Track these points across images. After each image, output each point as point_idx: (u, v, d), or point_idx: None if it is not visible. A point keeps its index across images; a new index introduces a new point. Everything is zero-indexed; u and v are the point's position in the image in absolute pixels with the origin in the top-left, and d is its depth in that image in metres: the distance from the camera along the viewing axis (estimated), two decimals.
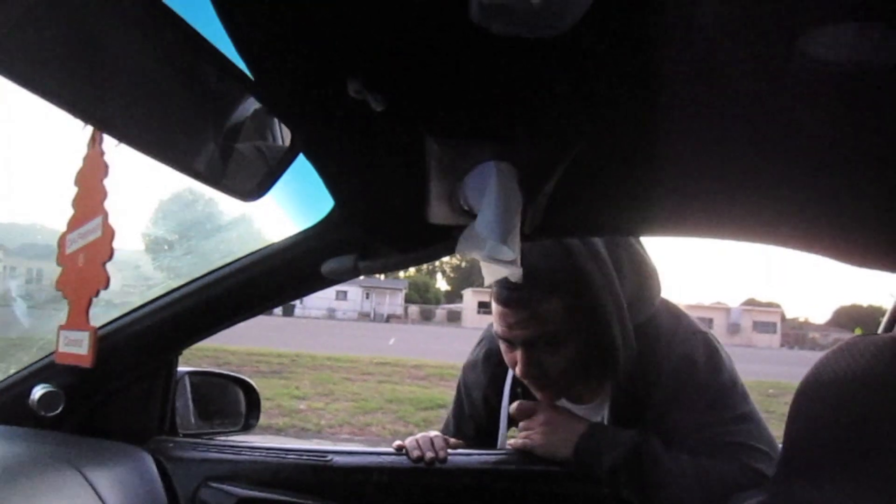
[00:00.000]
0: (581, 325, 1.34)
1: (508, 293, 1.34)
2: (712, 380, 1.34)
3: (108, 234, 0.57)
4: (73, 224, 0.59)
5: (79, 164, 0.57)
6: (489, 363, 1.66)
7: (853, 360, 0.77)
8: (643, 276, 1.43)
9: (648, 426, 1.36)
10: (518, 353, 1.38)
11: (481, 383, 1.67)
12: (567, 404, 1.53)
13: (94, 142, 0.56)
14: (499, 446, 1.62)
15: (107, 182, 0.57)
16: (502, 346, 1.45)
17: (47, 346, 1.34)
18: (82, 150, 0.56)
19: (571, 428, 1.36)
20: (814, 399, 0.81)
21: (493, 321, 1.43)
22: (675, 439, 1.32)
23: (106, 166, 0.57)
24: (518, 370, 1.39)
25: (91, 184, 0.57)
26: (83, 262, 0.58)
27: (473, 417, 1.70)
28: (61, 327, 0.64)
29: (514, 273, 1.08)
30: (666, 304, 1.49)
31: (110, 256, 0.57)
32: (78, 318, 0.59)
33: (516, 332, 1.36)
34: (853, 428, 0.73)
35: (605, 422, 1.44)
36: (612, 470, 1.27)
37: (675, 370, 1.35)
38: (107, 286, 0.58)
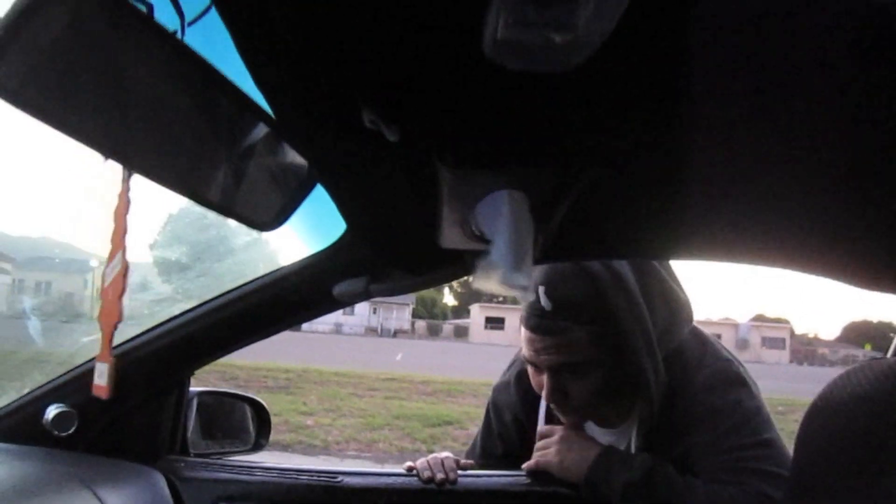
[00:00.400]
0: (607, 355, 1.36)
1: (537, 320, 1.36)
2: (736, 405, 1.34)
3: (124, 268, 0.58)
4: (109, 259, 0.60)
5: (114, 201, 0.58)
6: (521, 385, 1.67)
7: (862, 382, 0.77)
8: (672, 306, 1.44)
9: (670, 448, 1.36)
10: (544, 378, 1.40)
11: (512, 404, 1.68)
12: (594, 428, 1.55)
13: (125, 179, 0.58)
14: None
15: (128, 217, 0.58)
16: (530, 370, 1.47)
17: (60, 361, 1.35)
18: (116, 185, 0.58)
19: (586, 449, 1.37)
20: (822, 421, 0.81)
21: (522, 342, 1.44)
22: (694, 461, 1.32)
23: (129, 202, 0.58)
24: (543, 395, 1.41)
25: (119, 219, 0.58)
26: (111, 296, 0.59)
27: (503, 437, 1.70)
28: (96, 359, 0.66)
29: (528, 297, 1.10)
30: (693, 330, 1.50)
31: (125, 291, 0.58)
32: (105, 350, 0.60)
33: (542, 357, 1.37)
34: (861, 449, 0.73)
35: (633, 446, 1.45)
36: (623, 493, 1.27)
37: (699, 396, 1.36)
38: (121, 320, 0.59)
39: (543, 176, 0.77)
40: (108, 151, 0.55)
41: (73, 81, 0.53)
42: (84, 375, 1.31)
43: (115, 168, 0.57)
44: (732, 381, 1.38)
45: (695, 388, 1.37)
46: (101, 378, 0.60)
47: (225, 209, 0.68)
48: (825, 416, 0.81)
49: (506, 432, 1.69)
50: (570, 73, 0.56)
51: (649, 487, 1.27)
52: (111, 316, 0.59)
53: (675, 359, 1.41)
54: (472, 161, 0.72)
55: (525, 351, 1.42)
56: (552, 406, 1.45)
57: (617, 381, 1.39)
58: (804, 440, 0.84)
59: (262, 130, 0.66)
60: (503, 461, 1.67)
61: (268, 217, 0.74)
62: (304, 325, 47.64)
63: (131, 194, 0.57)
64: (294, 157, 0.71)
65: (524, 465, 1.43)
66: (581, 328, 1.33)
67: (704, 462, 1.31)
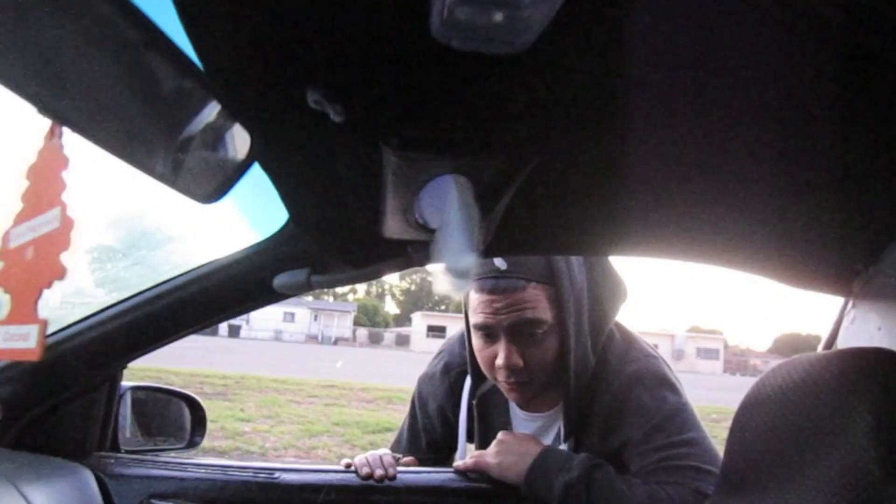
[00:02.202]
0: (559, 320, 1.39)
1: (494, 281, 1.38)
2: (660, 403, 1.37)
3: (68, 224, 0.55)
4: (22, 218, 0.57)
5: (31, 158, 0.56)
6: (447, 376, 1.68)
7: (788, 376, 0.79)
8: (613, 278, 1.49)
9: (597, 443, 1.38)
10: (500, 344, 1.41)
11: (437, 395, 1.68)
12: (518, 412, 1.56)
13: (52, 135, 0.55)
14: (458, 458, 1.62)
15: (66, 174, 0.56)
16: (479, 343, 1.46)
17: None
18: (37, 143, 0.55)
19: (525, 450, 1.37)
20: (751, 415, 0.83)
21: (472, 313, 1.44)
22: (628, 459, 1.35)
23: (66, 158, 0.55)
24: (500, 360, 1.40)
25: (47, 176, 0.56)
26: (32, 255, 0.56)
27: (427, 430, 1.70)
28: (8, 321, 0.60)
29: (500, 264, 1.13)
30: (619, 326, 1.53)
31: (68, 247, 0.55)
32: (24, 311, 0.56)
33: (502, 316, 1.38)
34: (789, 439, 0.75)
35: (561, 434, 1.47)
36: (563, 493, 1.28)
37: (623, 390, 1.39)
38: (62, 277, 0.56)
39: (488, 163, 0.78)
40: (48, 110, 0.53)
41: (16, 35, 0.51)
42: (9, 367, 1.26)
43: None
44: (659, 378, 1.42)
45: (622, 382, 1.40)
46: (28, 340, 0.56)
47: (164, 177, 0.66)
48: (756, 408, 0.83)
49: (429, 423, 1.70)
50: (515, 57, 0.57)
51: (589, 487, 1.28)
52: (43, 274, 0.56)
53: (603, 351, 1.45)
54: (418, 144, 0.72)
55: (480, 318, 1.41)
56: (502, 378, 1.44)
57: (559, 354, 1.41)
58: (736, 433, 0.86)
59: (206, 101, 0.65)
60: (427, 452, 1.68)
61: (206, 190, 0.73)
62: (244, 332, 46.91)
63: (66, 151, 0.55)
64: (237, 131, 0.69)
65: (457, 465, 1.42)
66: (536, 286, 1.37)
67: (638, 460, 1.33)
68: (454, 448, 1.65)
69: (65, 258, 0.56)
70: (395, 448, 1.74)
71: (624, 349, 1.47)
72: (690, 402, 1.41)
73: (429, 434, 1.70)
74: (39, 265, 0.56)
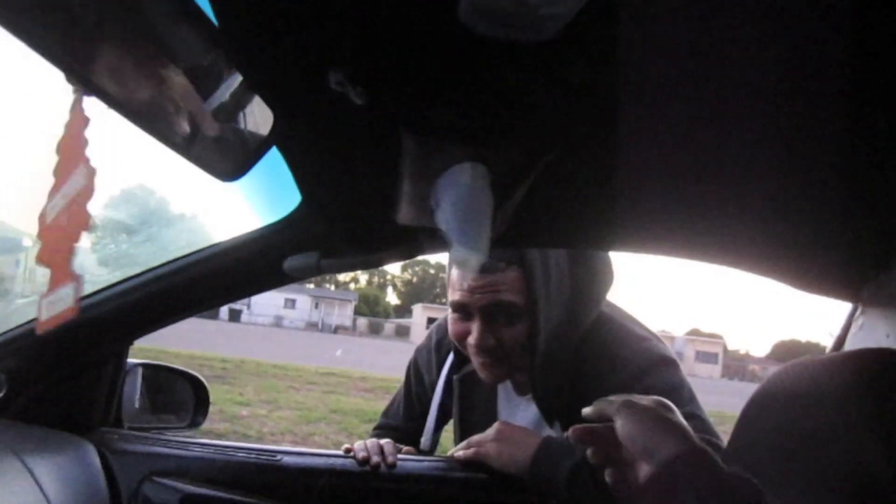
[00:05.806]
0: (529, 304, 1.38)
1: None
2: (658, 378, 1.36)
3: (91, 174, 0.55)
4: (55, 189, 0.57)
5: (58, 133, 0.56)
6: (440, 353, 1.71)
7: (797, 377, 0.79)
8: (594, 268, 1.45)
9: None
10: (474, 324, 1.41)
11: (432, 369, 1.72)
12: (514, 396, 1.57)
13: (77, 105, 0.55)
14: (423, 438, 1.66)
15: (88, 132, 0.55)
16: (454, 319, 1.46)
17: None
18: (63, 118, 0.55)
19: (524, 440, 1.36)
20: (758, 415, 0.83)
21: (451, 291, 1.44)
22: None
23: (87, 119, 0.55)
24: (473, 339, 1.40)
25: (72, 142, 0.55)
26: (67, 220, 0.55)
27: (421, 400, 1.74)
28: (42, 297, 0.59)
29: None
30: (615, 310, 1.52)
31: (92, 195, 0.55)
32: (61, 274, 0.56)
33: (477, 296, 1.38)
34: (794, 440, 0.75)
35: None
36: (571, 476, 1.28)
37: (618, 372, 1.37)
38: (88, 227, 0.55)
39: (507, 152, 0.77)
40: (82, 80, 0.53)
41: (56, 6, 0.51)
42: (16, 339, 1.27)
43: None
44: (656, 357, 1.40)
45: (617, 365, 1.38)
46: (66, 301, 0.56)
47: (186, 152, 0.66)
48: (763, 408, 0.83)
49: (423, 394, 1.73)
50: (539, 47, 0.57)
51: (594, 470, 1.28)
52: (73, 230, 0.56)
53: (590, 335, 1.43)
54: (439, 130, 0.72)
55: (456, 295, 1.41)
56: (478, 357, 1.44)
57: (531, 338, 1.40)
58: (742, 432, 0.86)
59: (233, 76, 0.65)
60: (420, 422, 1.71)
61: (228, 168, 0.73)
62: (244, 317, 47.02)
63: (88, 113, 0.55)
64: (261, 109, 0.69)
65: (456, 455, 1.42)
66: (513, 268, 1.37)
67: None
68: (445, 420, 1.69)
69: (89, 206, 0.56)
70: (387, 412, 1.80)
71: (616, 332, 1.45)
72: (689, 382, 1.40)
73: (422, 404, 1.73)
74: (71, 225, 0.56)
